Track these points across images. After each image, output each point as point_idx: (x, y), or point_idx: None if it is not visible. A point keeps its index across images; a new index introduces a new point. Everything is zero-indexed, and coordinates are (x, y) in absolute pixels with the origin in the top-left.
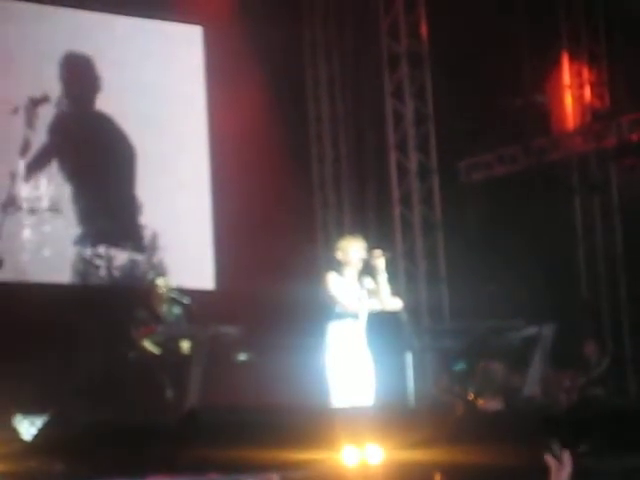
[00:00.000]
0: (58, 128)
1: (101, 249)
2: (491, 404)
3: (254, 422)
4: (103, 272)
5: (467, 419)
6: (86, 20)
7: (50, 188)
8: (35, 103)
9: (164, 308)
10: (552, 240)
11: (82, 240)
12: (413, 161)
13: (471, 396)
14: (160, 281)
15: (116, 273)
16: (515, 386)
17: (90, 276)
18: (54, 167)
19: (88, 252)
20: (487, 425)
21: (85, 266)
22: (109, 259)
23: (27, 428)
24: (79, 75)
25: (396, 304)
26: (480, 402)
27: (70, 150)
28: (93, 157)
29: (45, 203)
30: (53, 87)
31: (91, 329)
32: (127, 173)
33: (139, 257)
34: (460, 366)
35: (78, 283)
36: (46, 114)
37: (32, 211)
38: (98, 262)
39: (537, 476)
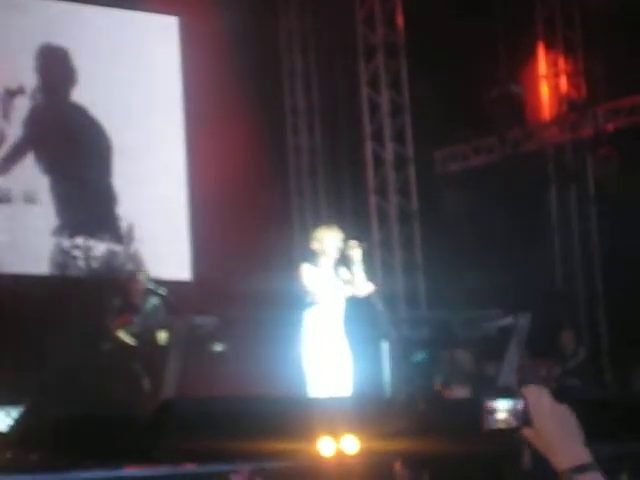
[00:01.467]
0: (34, 120)
1: (79, 240)
2: (459, 392)
3: (230, 413)
4: (81, 263)
5: (433, 409)
6: (62, 11)
7: (26, 179)
8: (11, 94)
9: (142, 299)
10: (528, 230)
11: (60, 231)
12: (389, 151)
13: (438, 386)
14: (139, 272)
15: (94, 264)
16: (490, 375)
17: (68, 267)
18: (30, 159)
19: (66, 243)
20: (453, 414)
21: (63, 257)
22: (87, 250)
23: (3, 419)
24: (54, 66)
25: (373, 294)
26: (448, 391)
27: (46, 142)
28: (69, 148)
29: (21, 194)
30: (29, 79)
31: (68, 320)
32: (103, 164)
33: (117, 248)
34: (420, 357)
35: (56, 274)
36: (22, 106)
37: (8, 202)
38: (76, 253)
39: (503, 461)
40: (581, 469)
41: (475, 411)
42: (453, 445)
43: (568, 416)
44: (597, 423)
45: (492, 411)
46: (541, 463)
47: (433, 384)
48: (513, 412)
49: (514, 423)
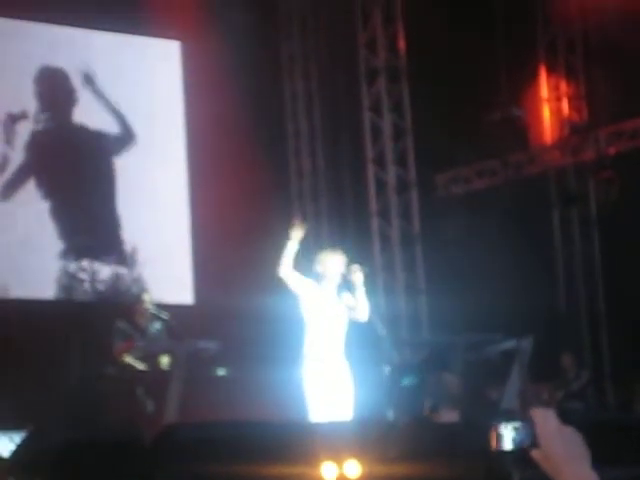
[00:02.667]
0: (36, 144)
1: (85, 263)
2: (448, 416)
3: (232, 437)
4: (87, 286)
5: (432, 433)
6: (64, 36)
7: (30, 203)
8: (13, 119)
9: (146, 323)
10: (530, 253)
11: (66, 255)
12: (391, 174)
13: (427, 411)
14: (144, 296)
15: (100, 287)
16: (493, 399)
17: (75, 290)
18: (33, 182)
19: (73, 266)
20: (442, 438)
21: (69, 280)
22: (93, 273)
23: (6, 444)
24: (55, 89)
25: (375, 318)
26: (436, 416)
27: (49, 165)
28: (72, 172)
29: (26, 218)
30: (31, 103)
31: (71, 344)
32: (106, 187)
33: (123, 271)
34: (409, 380)
35: (62, 297)
36: (24, 131)
37: (13, 227)
38: (82, 276)
39: None
40: None
41: (481, 435)
42: (452, 470)
43: (575, 438)
44: (600, 447)
45: (500, 435)
46: None
47: (424, 408)
48: (519, 435)
49: (522, 446)
